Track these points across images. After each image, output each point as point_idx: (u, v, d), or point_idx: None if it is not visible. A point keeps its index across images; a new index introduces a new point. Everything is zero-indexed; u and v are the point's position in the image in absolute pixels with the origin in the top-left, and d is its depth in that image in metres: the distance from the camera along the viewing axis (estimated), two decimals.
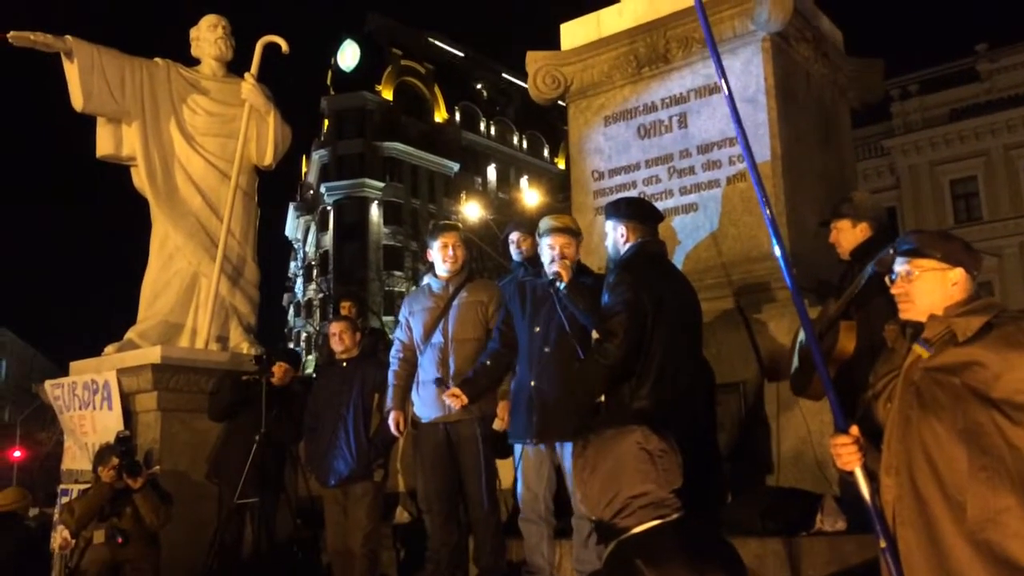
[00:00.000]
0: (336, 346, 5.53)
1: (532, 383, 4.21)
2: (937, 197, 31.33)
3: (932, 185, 31.39)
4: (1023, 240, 29.35)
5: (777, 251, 2.85)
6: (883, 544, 2.40)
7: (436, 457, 4.66)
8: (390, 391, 4.89)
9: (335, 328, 5.59)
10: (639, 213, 4.27)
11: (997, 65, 31.00)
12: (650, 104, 5.94)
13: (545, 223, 4.36)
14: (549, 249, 4.26)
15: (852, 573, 3.73)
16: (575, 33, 6.35)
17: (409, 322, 4.88)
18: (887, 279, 2.61)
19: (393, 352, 4.96)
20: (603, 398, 4.07)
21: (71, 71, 6.98)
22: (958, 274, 2.48)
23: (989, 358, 2.31)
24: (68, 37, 6.96)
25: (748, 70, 5.53)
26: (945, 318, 2.43)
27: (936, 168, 31.30)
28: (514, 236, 5.18)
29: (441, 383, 4.50)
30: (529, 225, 5.19)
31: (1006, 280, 29.22)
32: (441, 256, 4.81)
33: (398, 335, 4.96)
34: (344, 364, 5.52)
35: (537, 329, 4.26)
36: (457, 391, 4.32)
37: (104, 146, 7.37)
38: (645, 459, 2.10)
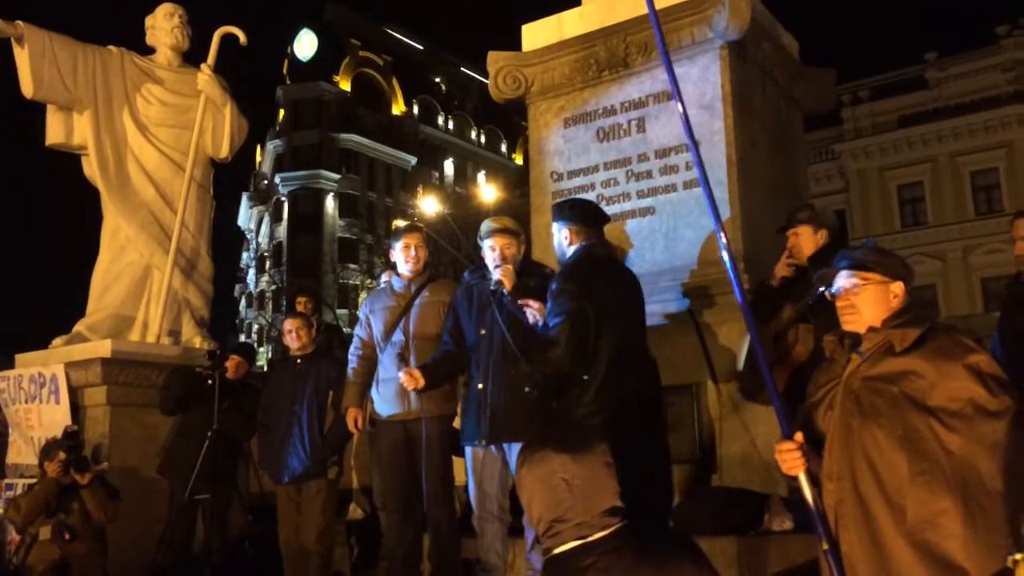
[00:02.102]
0: (292, 343, 5.50)
1: (480, 385, 4.23)
2: (885, 201, 32.10)
3: (880, 189, 32.15)
4: (966, 245, 30.20)
5: (726, 259, 2.90)
6: (825, 546, 2.50)
7: (394, 455, 4.67)
8: (348, 388, 4.88)
9: (290, 325, 5.56)
10: (582, 215, 4.22)
11: (945, 74, 31.82)
12: (609, 108, 6.00)
13: (485, 225, 4.38)
14: (491, 251, 4.30)
15: (798, 571, 3.84)
16: (536, 34, 6.39)
17: (370, 320, 4.88)
18: (827, 293, 2.71)
19: (352, 349, 4.96)
20: (555, 404, 4.08)
21: (21, 57, 6.84)
22: (898, 287, 2.60)
23: (925, 368, 2.43)
24: (19, 22, 6.82)
25: (705, 77, 5.61)
26: (883, 329, 2.55)
27: (884, 173, 32.06)
28: None
29: (402, 360, 4.48)
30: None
31: (949, 283, 30.09)
32: (403, 256, 4.84)
33: (358, 332, 4.96)
34: (299, 361, 5.50)
35: (483, 332, 4.29)
36: (415, 372, 4.30)
37: (54, 134, 7.24)
38: (563, 488, 2.08)
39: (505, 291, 4.05)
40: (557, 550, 2.09)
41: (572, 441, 2.18)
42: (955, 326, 2.65)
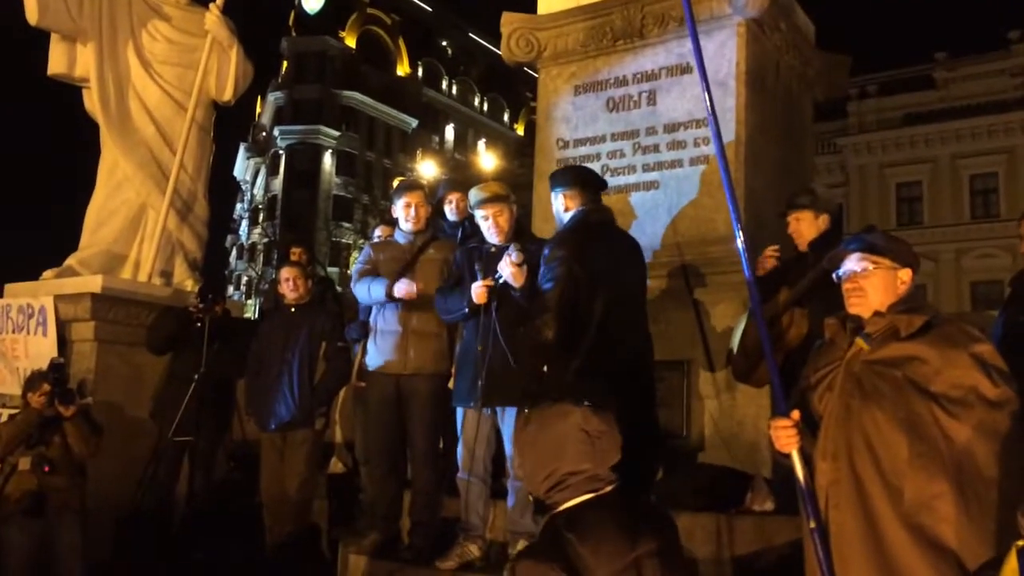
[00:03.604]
0: (288, 292, 5.46)
1: (479, 348, 4.20)
2: (883, 198, 32.13)
3: (879, 186, 32.17)
4: (960, 247, 30.29)
5: (739, 238, 2.89)
6: (812, 525, 2.50)
7: (382, 409, 4.65)
8: (377, 280, 4.61)
9: (287, 274, 5.52)
10: (577, 181, 4.17)
11: (954, 74, 31.71)
12: (621, 78, 5.93)
13: (474, 195, 4.32)
14: (484, 220, 4.27)
15: (777, 551, 3.86)
16: None
17: (377, 265, 4.76)
18: (834, 275, 2.69)
19: (357, 266, 4.79)
20: (546, 368, 4.06)
21: None
22: (907, 274, 2.61)
23: (930, 354, 2.43)
24: None
25: (721, 53, 5.55)
26: (888, 314, 2.54)
27: (885, 170, 32.07)
28: (452, 197, 5.15)
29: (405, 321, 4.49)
30: (465, 185, 5.15)
31: (940, 285, 30.19)
32: (404, 215, 4.80)
33: (362, 260, 4.83)
34: (292, 310, 5.47)
35: None
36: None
37: (57, 64, 7.13)
38: (584, 440, 2.12)
39: (516, 291, 4.00)
40: (571, 503, 2.10)
41: (586, 398, 2.21)
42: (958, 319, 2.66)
